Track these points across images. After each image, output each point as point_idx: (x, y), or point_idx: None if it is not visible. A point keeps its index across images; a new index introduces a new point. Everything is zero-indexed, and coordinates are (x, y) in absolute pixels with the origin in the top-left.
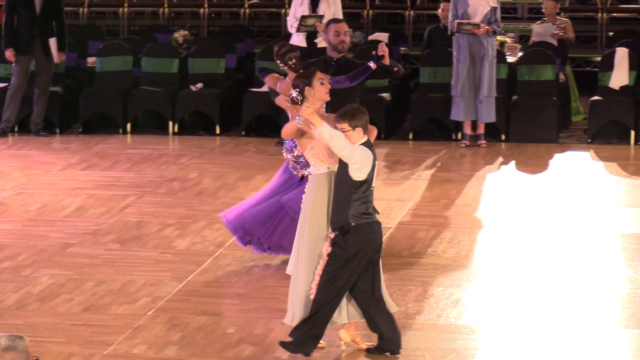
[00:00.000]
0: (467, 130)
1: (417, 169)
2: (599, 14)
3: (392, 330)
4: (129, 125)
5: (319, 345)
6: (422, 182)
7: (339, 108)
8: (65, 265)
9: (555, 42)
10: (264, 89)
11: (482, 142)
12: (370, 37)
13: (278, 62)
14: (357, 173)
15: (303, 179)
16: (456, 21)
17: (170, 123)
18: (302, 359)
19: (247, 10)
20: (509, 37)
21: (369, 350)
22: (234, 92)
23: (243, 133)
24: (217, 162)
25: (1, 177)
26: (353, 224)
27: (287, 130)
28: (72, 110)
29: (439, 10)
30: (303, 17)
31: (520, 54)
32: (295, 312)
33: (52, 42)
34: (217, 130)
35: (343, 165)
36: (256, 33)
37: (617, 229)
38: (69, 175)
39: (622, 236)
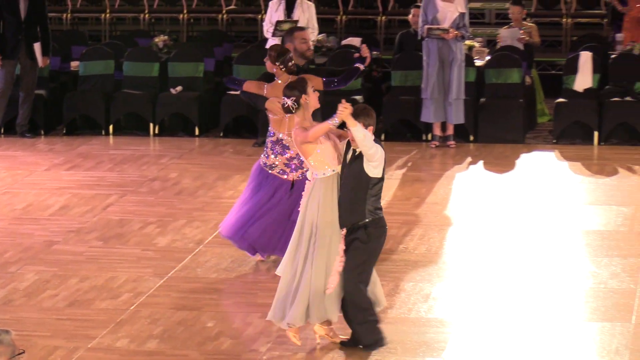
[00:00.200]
0: (437, 131)
1: (389, 168)
2: (564, 19)
3: (365, 324)
4: (111, 127)
5: (294, 340)
6: (394, 181)
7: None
8: (50, 262)
9: (521, 46)
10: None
11: (452, 142)
12: (344, 42)
13: (277, 64)
14: (375, 170)
15: (294, 185)
16: (426, 26)
17: (151, 125)
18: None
19: (225, 15)
20: (477, 42)
21: (342, 344)
22: (212, 95)
23: (221, 134)
24: (197, 162)
25: None
26: (371, 218)
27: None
28: (56, 112)
29: (410, 16)
30: (278, 22)
31: (487, 57)
32: (295, 310)
33: (37, 47)
34: (197, 132)
35: (358, 164)
36: (234, 38)
37: (581, 226)
38: (53, 175)
39: (586, 233)
